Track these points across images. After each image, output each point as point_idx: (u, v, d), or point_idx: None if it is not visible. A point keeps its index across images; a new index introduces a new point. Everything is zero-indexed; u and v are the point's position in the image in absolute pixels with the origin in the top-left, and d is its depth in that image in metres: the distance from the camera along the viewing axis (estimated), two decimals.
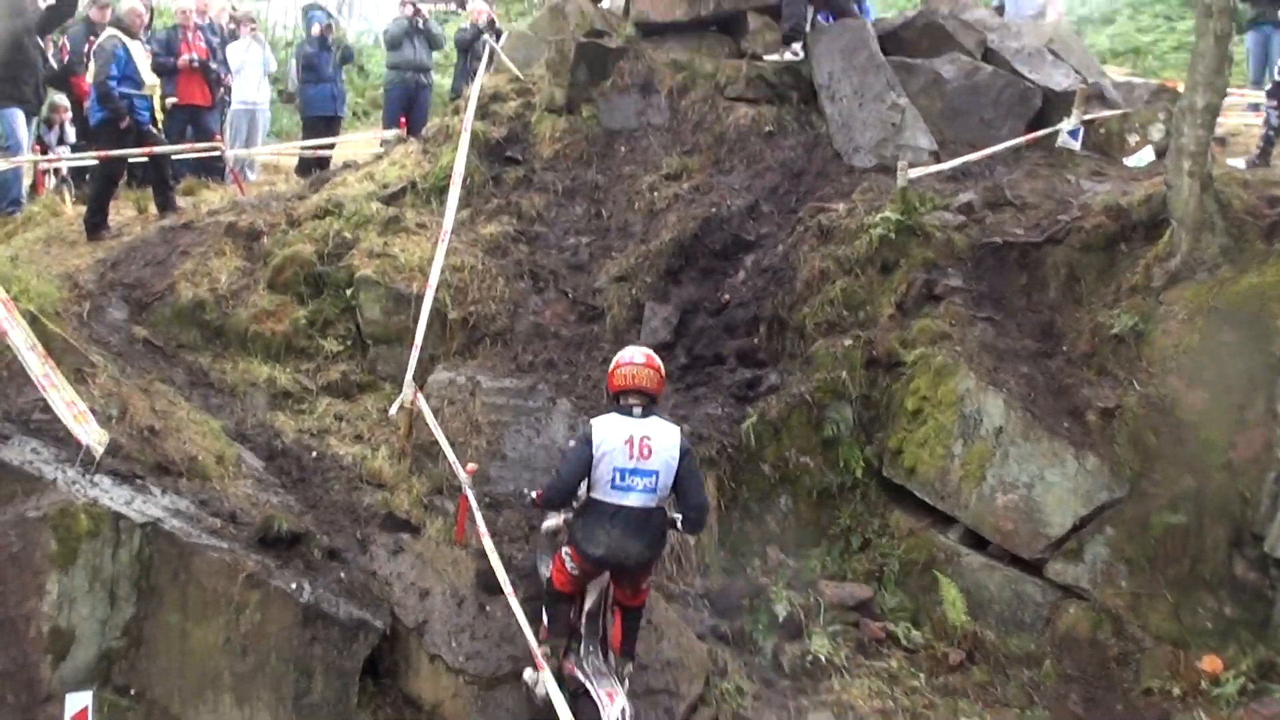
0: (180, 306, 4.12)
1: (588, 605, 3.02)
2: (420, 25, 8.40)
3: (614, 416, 2.87)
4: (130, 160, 4.98)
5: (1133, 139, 4.60)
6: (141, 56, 5.01)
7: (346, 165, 5.64)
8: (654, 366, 2.92)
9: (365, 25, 12.01)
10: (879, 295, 3.94)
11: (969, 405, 3.56)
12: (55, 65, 5.66)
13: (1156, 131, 4.57)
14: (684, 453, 2.89)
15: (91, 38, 5.61)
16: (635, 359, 2.93)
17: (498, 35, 7.21)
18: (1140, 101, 4.92)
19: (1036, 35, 5.27)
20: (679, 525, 2.94)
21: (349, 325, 4.18)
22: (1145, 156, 4.53)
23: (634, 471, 2.83)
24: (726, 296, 4.23)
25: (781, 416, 3.73)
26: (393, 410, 3.66)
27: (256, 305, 4.17)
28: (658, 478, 2.85)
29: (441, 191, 4.53)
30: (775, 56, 4.97)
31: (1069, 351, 3.68)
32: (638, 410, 2.88)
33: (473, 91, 5.09)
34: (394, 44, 8.26)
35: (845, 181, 4.39)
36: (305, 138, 7.24)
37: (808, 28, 5.06)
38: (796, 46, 4.93)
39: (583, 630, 2.98)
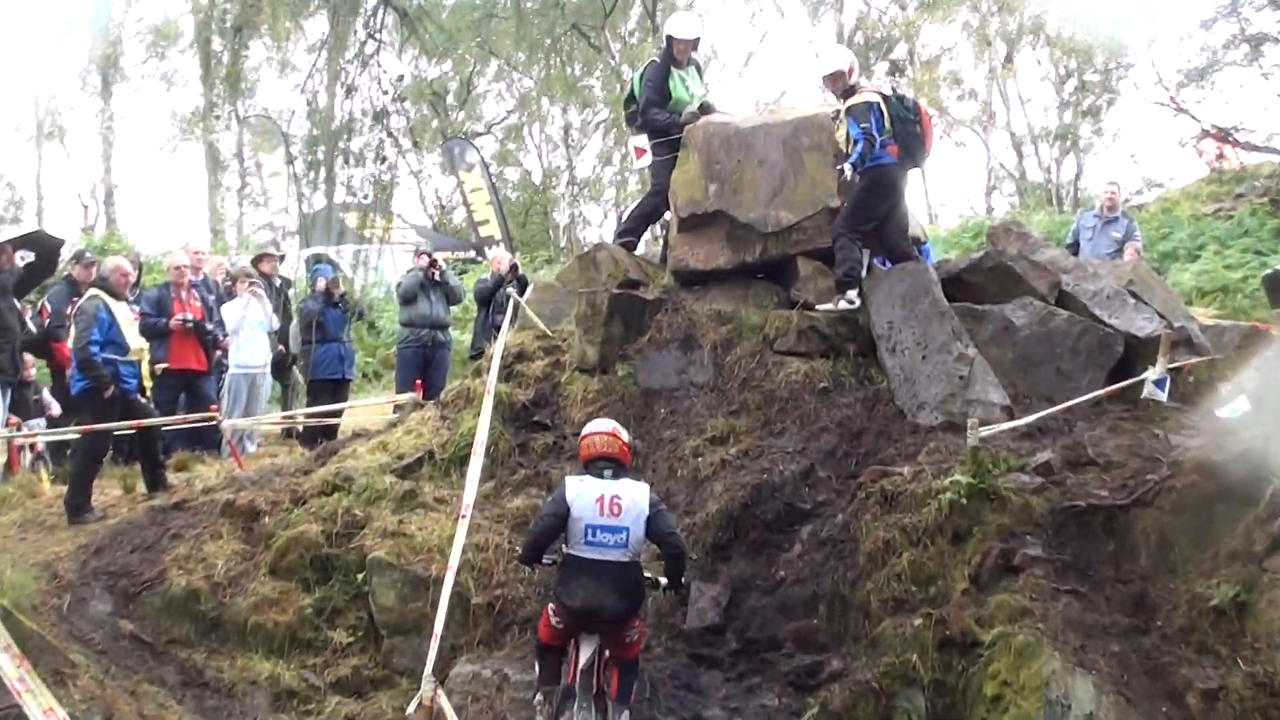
0: (171, 596, 5.99)
1: (581, 662, 5.39)
2: (437, 277, 11.33)
3: (586, 478, 5.50)
4: (116, 434, 7.28)
5: (1225, 388, 6.76)
6: (127, 319, 7.35)
7: (356, 434, 8.04)
8: (617, 436, 5.68)
9: (376, 277, 15.94)
10: (951, 568, 5.68)
11: (1055, 689, 4.90)
12: (34, 329, 8.21)
13: (1250, 379, 6.75)
14: (653, 505, 5.50)
15: (74, 299, 8.08)
16: (601, 429, 5.72)
17: (522, 287, 10.20)
18: (1231, 346, 7.14)
19: (1115, 276, 7.74)
20: (665, 584, 5.57)
21: (360, 614, 6.03)
22: (1239, 407, 6.59)
23: (604, 528, 5.40)
24: (781, 573, 6.09)
25: (846, 707, 5.24)
26: (411, 709, 5.11)
27: (257, 593, 6.06)
28: (628, 534, 5.41)
29: (462, 462, 6.66)
30: (829, 306, 7.38)
31: (1164, 626, 5.18)
32: (608, 473, 5.55)
33: (495, 350, 7.51)
34: (408, 298, 11.37)
35: (910, 442, 6.46)
36: (310, 404, 9.90)
37: (863, 273, 7.56)
38: (852, 294, 7.34)
39: (577, 687, 5.32)
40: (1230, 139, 21.72)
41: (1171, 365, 6.79)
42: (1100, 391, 6.73)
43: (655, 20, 32.78)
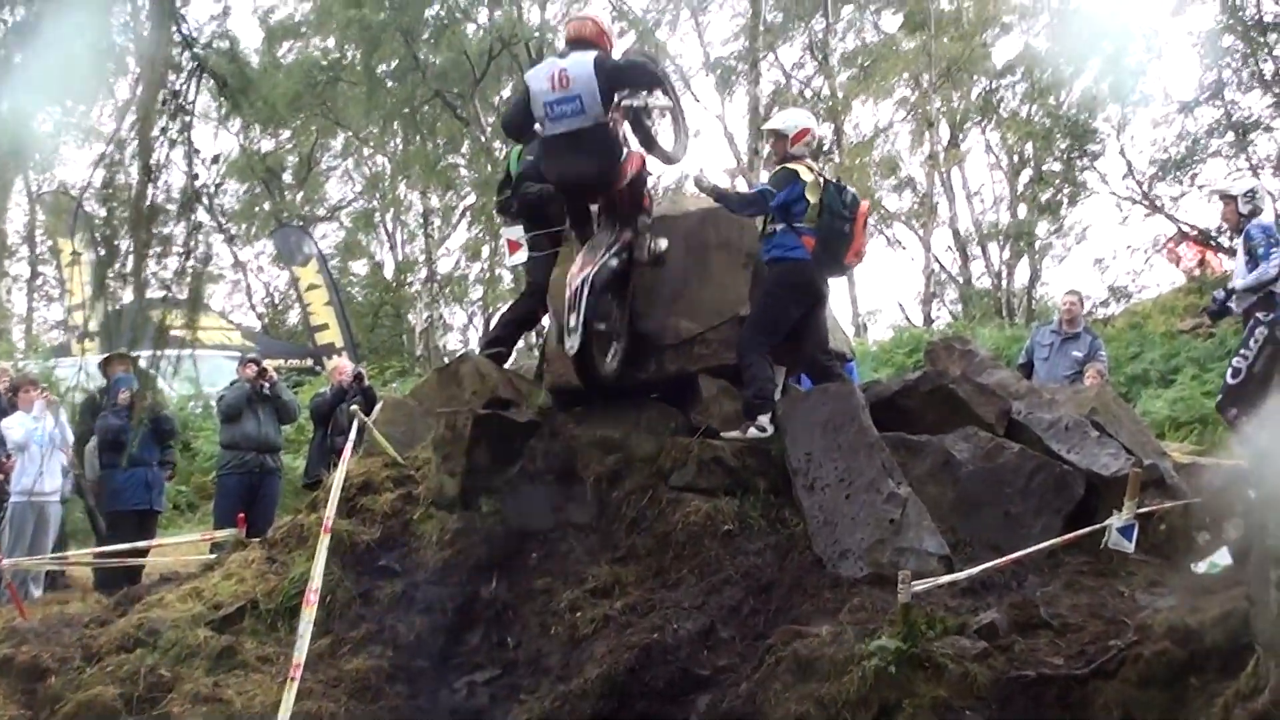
0: None
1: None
2: (266, 391, 11.45)
3: (543, 61, 7.98)
4: None
5: (1202, 538, 7.14)
6: None
7: (165, 578, 7.95)
8: (594, 20, 7.94)
9: (192, 389, 15.80)
10: None
11: None
12: None
13: (1233, 528, 7.16)
14: (599, 65, 7.57)
15: None
16: (583, 14, 7.83)
17: (368, 404, 10.32)
18: (1211, 488, 7.63)
19: (1075, 403, 8.18)
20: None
21: None
22: (1220, 560, 6.98)
23: (559, 101, 7.57)
24: None
25: None
26: None
27: None
28: (581, 100, 7.55)
29: (292, 613, 6.66)
30: (736, 434, 7.64)
31: None
32: (564, 50, 7.78)
33: (335, 479, 7.55)
34: (231, 415, 11.38)
35: (829, 597, 6.63)
36: (110, 540, 9.75)
37: (777, 395, 7.92)
38: (764, 420, 7.63)
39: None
40: (1212, 243, 22.51)
41: (1140, 510, 7.07)
42: (1056, 540, 6.98)
43: None
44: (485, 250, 37.83)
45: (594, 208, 8.20)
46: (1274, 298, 8.52)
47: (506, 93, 36.87)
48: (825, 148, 32.09)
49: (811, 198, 8.09)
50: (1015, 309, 30.33)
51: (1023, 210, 31.31)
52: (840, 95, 33.40)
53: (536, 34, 33.79)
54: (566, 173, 7.87)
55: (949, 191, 33.19)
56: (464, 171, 37.25)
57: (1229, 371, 8.51)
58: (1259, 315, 8.56)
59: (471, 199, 37.69)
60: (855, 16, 36.59)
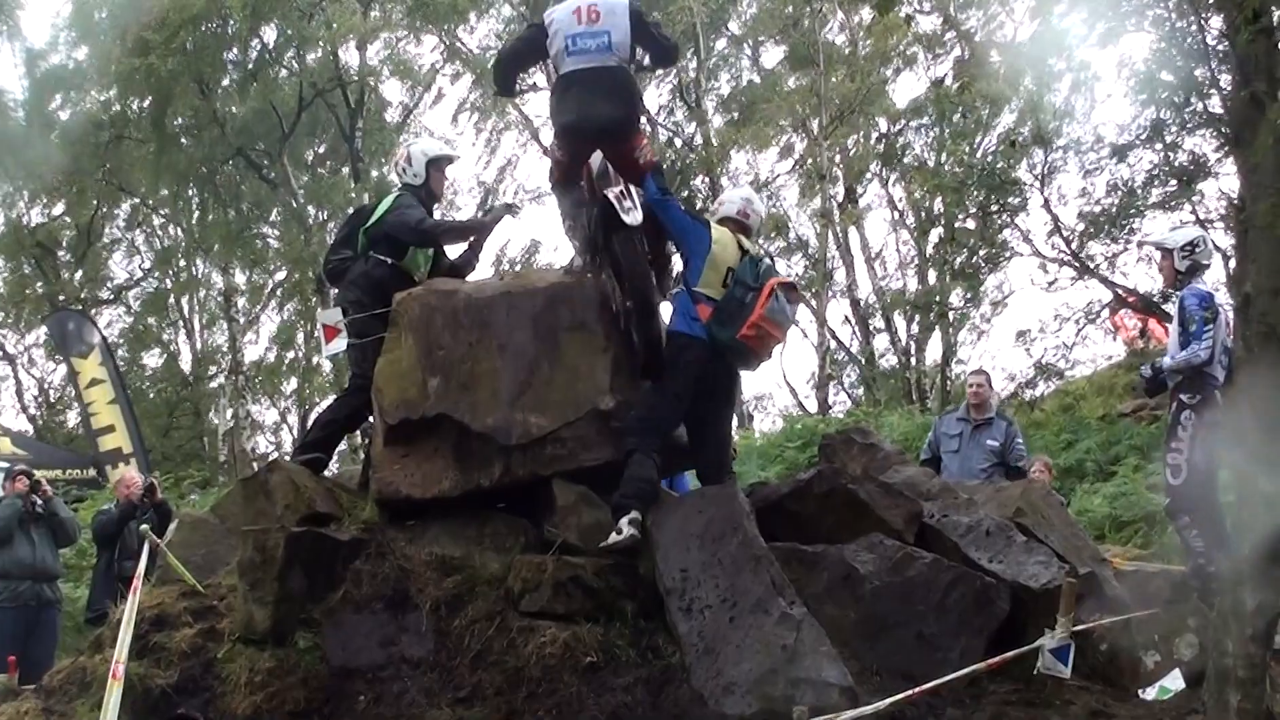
0: None
1: (595, 169, 8.76)
2: (40, 508, 11.31)
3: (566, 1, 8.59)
4: None
5: (1151, 658, 7.38)
6: None
7: None
8: None
9: None
10: None
11: None
12: None
13: (1186, 647, 7.37)
14: (633, 6, 8.63)
15: None
16: None
17: (162, 522, 10.20)
18: (1160, 600, 7.80)
19: (998, 503, 8.44)
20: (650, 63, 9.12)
21: None
22: (1171, 684, 7.21)
23: (584, 34, 8.49)
24: None
25: None
26: None
27: None
28: (610, 37, 8.50)
29: None
30: (607, 541, 7.69)
31: None
32: None
33: (126, 612, 7.39)
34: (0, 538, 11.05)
35: None
36: None
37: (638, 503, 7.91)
38: (626, 523, 7.70)
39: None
40: (1155, 311, 22.38)
41: (1076, 627, 7.26)
42: (978, 665, 7.18)
43: (355, 144, 33.93)
44: (300, 336, 37.64)
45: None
46: (1204, 379, 8.67)
47: (322, 149, 37.01)
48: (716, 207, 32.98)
49: (718, 258, 8.46)
50: (927, 392, 31.11)
51: (933, 276, 32.12)
52: (715, 143, 34.06)
53: (355, 79, 33.98)
54: (588, 115, 8.56)
55: (846, 255, 34.09)
56: (273, 243, 37.14)
57: (1168, 472, 8.73)
58: (1183, 397, 8.71)
59: (282, 274, 37.56)
60: (730, 52, 37.54)
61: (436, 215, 9.93)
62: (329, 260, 9.99)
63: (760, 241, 9.40)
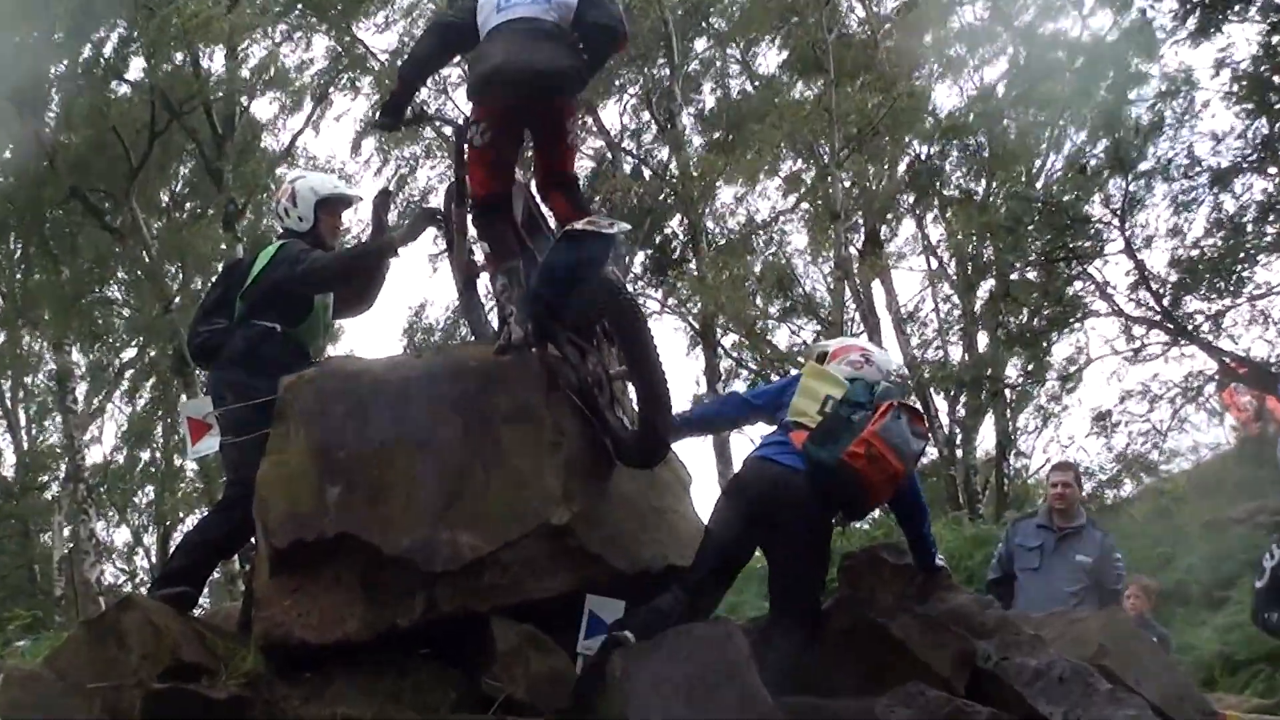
0: None
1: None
2: None
3: None
4: None
5: None
6: None
7: None
8: None
9: None
10: None
11: None
12: None
13: None
14: None
15: None
16: None
17: None
18: None
19: (1073, 640, 8.51)
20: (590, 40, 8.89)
21: None
22: None
23: None
24: None
25: None
26: None
27: None
28: None
29: None
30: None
31: None
32: None
33: None
34: None
35: None
36: None
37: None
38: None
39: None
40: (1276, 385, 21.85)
41: None
42: None
43: (224, 180, 33.75)
44: (158, 431, 37.48)
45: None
46: None
47: (181, 187, 37.00)
48: (670, 255, 33.18)
49: (811, 386, 8.86)
50: (978, 493, 30.89)
51: (983, 341, 32.15)
52: (696, 172, 33.96)
53: (220, 93, 33.92)
54: (519, 59, 8.73)
55: (869, 316, 34.08)
56: (120, 310, 37.05)
57: (1255, 575, 8.87)
58: None
59: (132, 352, 37.50)
60: (714, 54, 37.64)
61: None
62: (196, 332, 9.96)
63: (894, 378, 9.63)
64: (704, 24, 36.73)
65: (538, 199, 9.40)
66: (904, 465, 8.57)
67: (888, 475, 8.48)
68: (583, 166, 34.33)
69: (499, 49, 8.81)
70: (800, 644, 8.49)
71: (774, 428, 9.07)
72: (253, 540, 9.19)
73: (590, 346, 8.81)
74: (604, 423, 8.74)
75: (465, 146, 9.26)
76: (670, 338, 35.88)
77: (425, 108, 9.67)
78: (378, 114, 10.08)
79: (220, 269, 12.09)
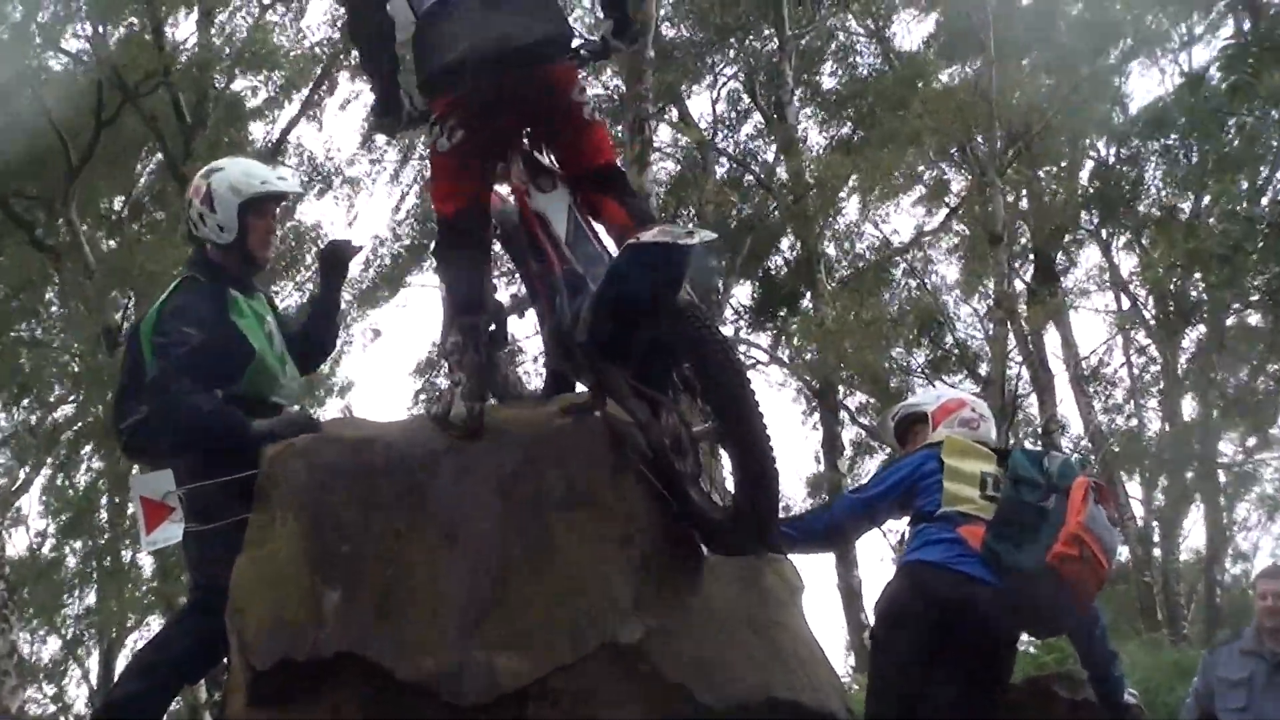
0: None
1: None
2: None
3: None
4: None
5: None
6: None
7: None
8: None
9: None
10: None
11: None
12: None
13: None
14: None
15: None
16: None
17: None
18: None
19: None
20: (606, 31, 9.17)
21: None
22: None
23: None
24: None
25: None
26: None
27: None
28: None
29: None
30: None
31: None
32: None
33: None
34: None
35: None
36: None
37: None
38: None
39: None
40: None
41: None
42: None
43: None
44: (102, 512, 37.62)
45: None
46: None
47: (132, 191, 37.07)
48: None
49: (960, 467, 8.93)
50: (1182, 606, 30.59)
51: (1189, 407, 31.97)
52: (813, 179, 34.20)
53: (185, 64, 33.83)
54: (492, 32, 8.54)
55: (1040, 372, 33.86)
56: (56, 352, 37.26)
57: None
58: None
59: (69, 407, 37.70)
60: (837, 23, 37.31)
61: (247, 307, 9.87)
62: (125, 424, 9.84)
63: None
64: None
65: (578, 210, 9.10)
66: (1110, 566, 8.64)
67: (1098, 580, 8.63)
68: (664, 169, 34.20)
69: (462, 26, 8.60)
70: None
71: (906, 520, 9.11)
72: (225, 659, 9.18)
73: (665, 399, 8.58)
74: (685, 500, 8.54)
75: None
76: (778, 398, 35.62)
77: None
78: (372, 117, 9.98)
79: (126, 331, 11.97)
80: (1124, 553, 32.09)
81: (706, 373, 8.09)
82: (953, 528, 8.69)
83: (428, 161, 9.40)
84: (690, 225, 8.58)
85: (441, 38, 8.63)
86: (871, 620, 9.30)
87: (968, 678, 8.64)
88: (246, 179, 9.72)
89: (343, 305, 9.78)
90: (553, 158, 9.12)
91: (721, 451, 8.63)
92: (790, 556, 9.60)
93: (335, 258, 10.50)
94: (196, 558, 9.40)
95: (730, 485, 8.51)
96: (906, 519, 9.36)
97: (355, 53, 8.93)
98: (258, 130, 38.36)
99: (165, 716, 9.87)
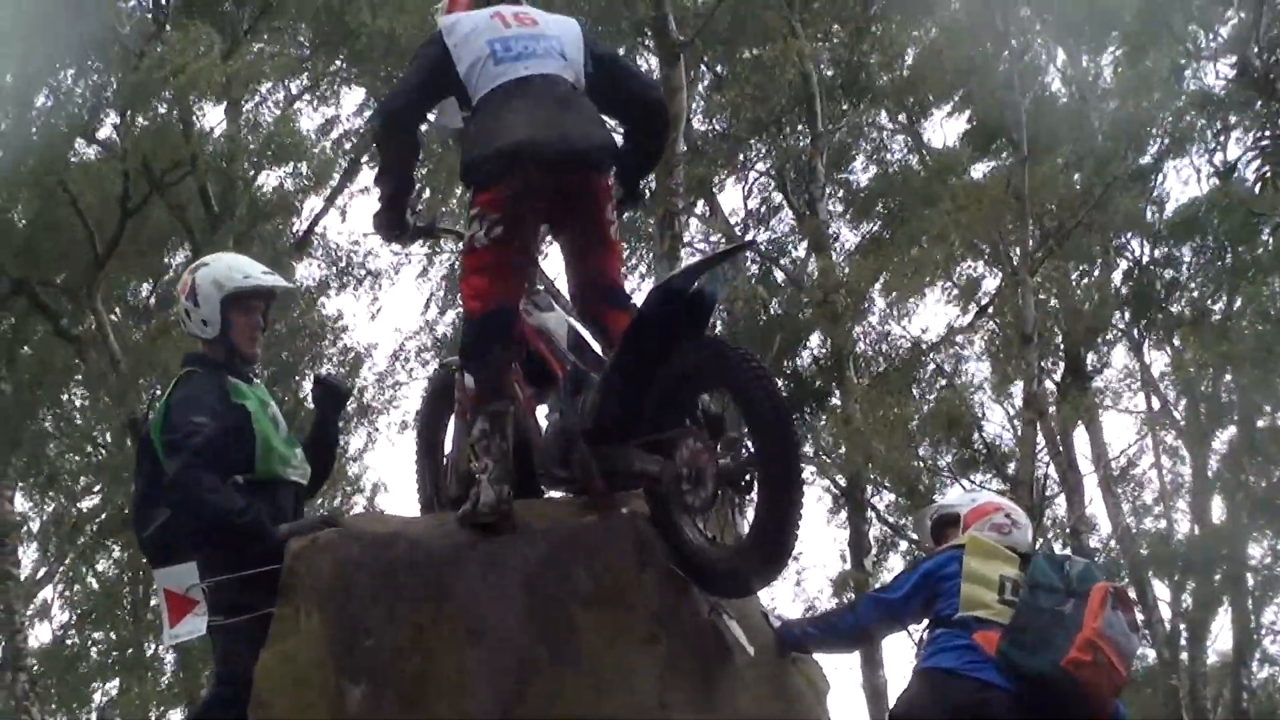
0: None
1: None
2: None
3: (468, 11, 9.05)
4: None
5: None
6: None
7: None
8: None
9: None
10: None
11: None
12: None
13: None
14: (585, 31, 9.15)
15: None
16: None
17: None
18: None
19: None
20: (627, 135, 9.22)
21: None
22: None
23: (521, 37, 8.80)
24: None
25: None
26: None
27: None
28: (561, 44, 8.88)
29: None
30: None
31: None
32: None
33: None
34: None
35: None
36: None
37: None
38: None
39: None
40: None
41: None
42: None
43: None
44: (127, 602, 37.49)
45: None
46: None
47: (147, 287, 36.83)
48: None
49: (980, 570, 8.94)
50: (1208, 713, 30.32)
51: (1219, 510, 31.76)
52: (843, 276, 33.92)
53: (211, 154, 33.62)
54: (551, 132, 8.55)
55: (1069, 473, 33.78)
56: (79, 443, 37.15)
57: None
58: None
59: (95, 500, 37.62)
60: (869, 115, 37.21)
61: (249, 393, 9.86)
62: (148, 533, 9.87)
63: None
64: (860, 75, 36.30)
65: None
66: (1128, 671, 8.65)
67: (1114, 687, 8.64)
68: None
69: (519, 119, 8.55)
70: None
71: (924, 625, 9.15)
72: None
73: (687, 429, 8.43)
74: (678, 533, 8.51)
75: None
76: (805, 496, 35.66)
77: (435, 218, 9.55)
78: (375, 227, 9.70)
79: (128, 423, 11.83)
80: (1150, 656, 32.04)
81: (748, 399, 8.00)
82: (968, 634, 8.71)
83: (458, 259, 9.19)
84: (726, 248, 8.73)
85: (500, 125, 8.58)
86: None
87: None
88: (229, 274, 9.72)
89: (339, 440, 9.67)
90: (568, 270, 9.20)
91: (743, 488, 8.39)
92: (815, 657, 9.58)
93: (329, 395, 10.53)
94: (220, 651, 9.35)
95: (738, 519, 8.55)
96: (925, 621, 9.37)
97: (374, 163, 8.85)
98: (283, 222, 38.18)
99: None
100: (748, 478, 8.13)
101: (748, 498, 8.12)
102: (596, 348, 9.02)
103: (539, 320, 9.27)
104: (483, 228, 8.63)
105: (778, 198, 36.50)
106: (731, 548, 8.44)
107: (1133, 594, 8.69)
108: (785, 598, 34.12)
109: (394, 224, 9.42)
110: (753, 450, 8.04)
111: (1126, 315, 34.12)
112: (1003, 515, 9.63)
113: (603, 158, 8.75)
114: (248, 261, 9.95)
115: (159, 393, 34.56)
